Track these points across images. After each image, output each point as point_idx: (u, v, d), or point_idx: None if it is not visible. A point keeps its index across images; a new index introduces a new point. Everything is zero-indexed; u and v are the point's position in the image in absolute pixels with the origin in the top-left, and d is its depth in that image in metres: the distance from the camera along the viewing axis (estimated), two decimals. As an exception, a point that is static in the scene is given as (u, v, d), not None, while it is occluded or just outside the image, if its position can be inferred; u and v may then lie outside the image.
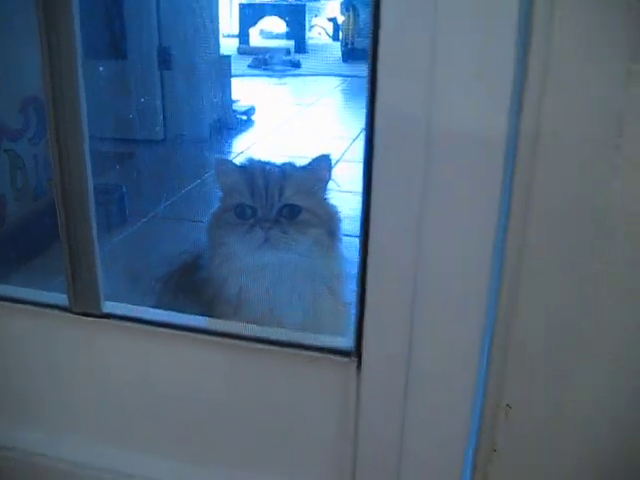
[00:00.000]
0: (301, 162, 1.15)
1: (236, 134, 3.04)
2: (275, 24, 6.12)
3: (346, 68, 4.16)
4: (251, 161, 1.21)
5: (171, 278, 1.19)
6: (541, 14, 0.59)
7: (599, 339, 0.68)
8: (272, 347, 0.81)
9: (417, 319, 0.71)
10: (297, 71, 4.65)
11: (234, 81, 3.19)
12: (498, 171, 0.63)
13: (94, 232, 0.83)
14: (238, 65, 4.18)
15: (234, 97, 3.16)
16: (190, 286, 1.14)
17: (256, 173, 1.11)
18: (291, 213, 1.09)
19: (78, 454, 0.92)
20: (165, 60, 2.65)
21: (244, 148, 2.93)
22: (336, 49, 5.59)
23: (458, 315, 0.70)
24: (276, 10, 5.87)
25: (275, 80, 4.45)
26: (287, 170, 1.14)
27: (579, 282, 0.66)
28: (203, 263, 1.16)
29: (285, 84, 4.43)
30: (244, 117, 3.14)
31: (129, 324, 0.84)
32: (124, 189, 2.06)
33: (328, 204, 1.13)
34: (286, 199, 1.09)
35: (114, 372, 0.88)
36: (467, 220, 0.66)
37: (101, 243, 0.89)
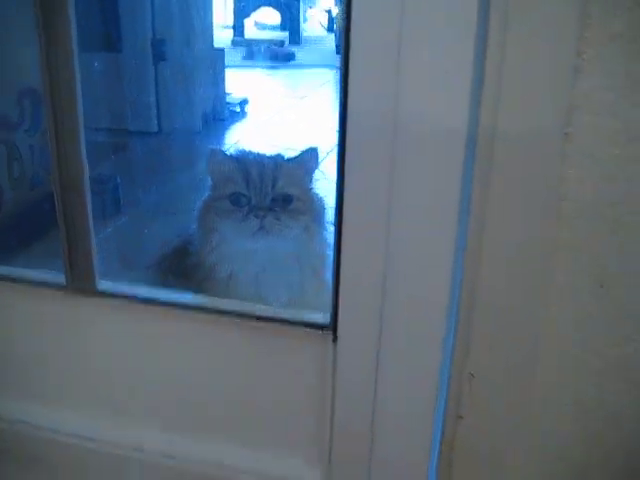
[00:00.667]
0: (290, 154, 1.21)
1: (229, 125, 3.10)
2: (270, 15, 6.15)
3: (340, 60, 4.18)
4: (243, 152, 1.28)
5: (162, 262, 1.25)
6: (497, 16, 0.65)
7: (559, 308, 0.74)
8: (257, 323, 0.87)
9: (387, 296, 0.77)
10: (291, 63, 4.69)
11: (228, 73, 3.24)
12: (459, 159, 0.69)
13: (89, 215, 0.89)
14: (232, 56, 4.22)
15: (227, 89, 3.21)
16: (180, 270, 1.20)
17: (251, 164, 1.18)
18: (284, 202, 1.16)
19: (75, 426, 0.98)
20: (159, 53, 2.70)
21: (237, 139, 2.99)
22: (331, 40, 5.62)
23: (425, 292, 0.76)
24: (271, 1, 5.89)
25: (269, 72, 4.50)
26: (279, 161, 1.21)
27: (536, 260, 0.72)
28: (193, 249, 1.21)
29: (279, 76, 4.47)
30: (237, 109, 3.20)
31: (122, 301, 0.90)
32: (118, 179, 2.11)
33: (315, 193, 1.20)
34: (279, 189, 1.16)
35: (108, 346, 0.94)
36: (432, 205, 0.72)
37: (96, 231, 0.94)
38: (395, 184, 0.72)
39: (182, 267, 1.20)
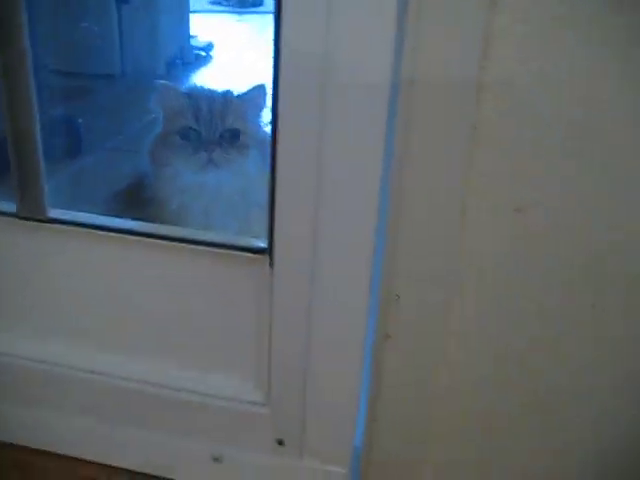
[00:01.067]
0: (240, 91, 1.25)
1: (194, 69, 3.09)
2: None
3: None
4: (194, 88, 1.31)
5: (117, 197, 1.29)
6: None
7: (477, 234, 0.79)
8: (201, 247, 0.91)
9: (319, 224, 0.81)
10: (260, 8, 4.65)
11: (195, 17, 3.22)
12: (384, 96, 0.73)
13: (39, 147, 0.92)
14: (198, 0, 4.18)
15: (193, 33, 3.19)
16: (135, 204, 1.24)
17: (201, 99, 1.22)
18: (232, 137, 1.21)
19: (28, 349, 1.03)
20: (122, -6, 2.67)
21: (201, 83, 2.98)
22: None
23: (355, 222, 0.81)
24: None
25: (236, 17, 4.46)
26: (228, 97, 1.24)
27: (453, 190, 0.78)
28: (146, 183, 1.26)
29: (246, 21, 4.44)
30: (202, 53, 3.18)
31: (71, 228, 0.93)
32: (80, 120, 2.13)
33: (262, 129, 1.24)
34: (228, 124, 1.20)
35: (59, 271, 0.99)
36: (360, 143, 0.77)
37: (57, 169, 0.97)
38: (326, 122, 0.76)
39: (136, 201, 1.24)
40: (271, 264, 0.86)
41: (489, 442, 0.92)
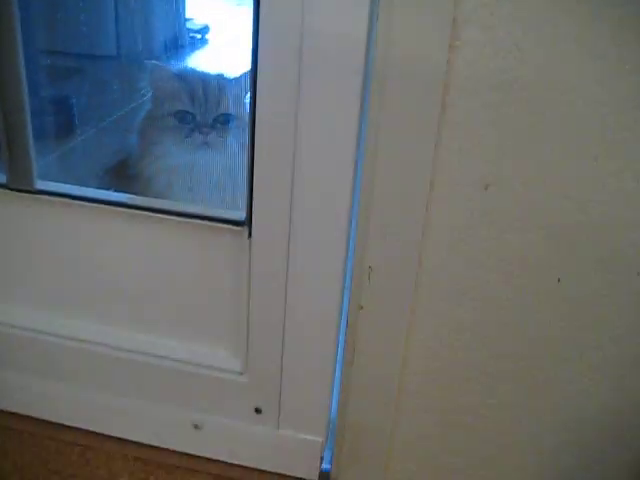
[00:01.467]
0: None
1: (189, 52, 3.09)
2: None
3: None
4: (186, 70, 1.34)
5: (107, 173, 1.32)
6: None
7: (445, 209, 0.82)
8: (184, 219, 0.94)
9: (295, 198, 0.85)
10: (258, -7, 4.63)
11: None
12: (359, 67, 0.77)
13: (28, 123, 0.95)
14: (196, -16, 4.16)
15: (189, 15, 3.19)
16: (123, 181, 1.27)
17: (195, 82, 1.25)
18: (225, 120, 1.24)
19: (14, 318, 1.07)
20: (117, -26, 2.67)
21: (194, 66, 2.99)
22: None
23: (329, 192, 0.84)
24: None
25: (235, 0, 4.45)
26: (221, 80, 1.28)
27: (422, 166, 0.81)
28: (135, 161, 1.29)
29: (244, 5, 4.43)
30: (198, 35, 3.18)
31: (59, 199, 0.97)
32: (73, 100, 2.14)
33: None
34: (223, 108, 1.24)
35: (45, 242, 1.02)
36: (334, 121, 0.80)
37: (49, 147, 1.00)
38: (302, 98, 0.79)
39: (125, 177, 1.27)
40: (249, 235, 0.89)
41: (461, 411, 0.96)
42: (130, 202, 0.96)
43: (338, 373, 0.97)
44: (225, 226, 0.93)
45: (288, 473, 1.05)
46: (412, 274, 0.86)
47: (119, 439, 1.09)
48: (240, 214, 0.91)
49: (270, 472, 1.05)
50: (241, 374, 1.00)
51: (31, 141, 0.97)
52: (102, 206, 0.96)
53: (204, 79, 1.26)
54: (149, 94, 1.26)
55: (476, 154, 0.80)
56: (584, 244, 0.82)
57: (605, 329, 0.86)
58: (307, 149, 0.82)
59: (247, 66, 1.26)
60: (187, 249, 0.97)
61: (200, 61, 3.12)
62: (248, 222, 0.89)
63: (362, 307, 0.90)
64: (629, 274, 0.82)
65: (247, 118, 1.26)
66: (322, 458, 1.03)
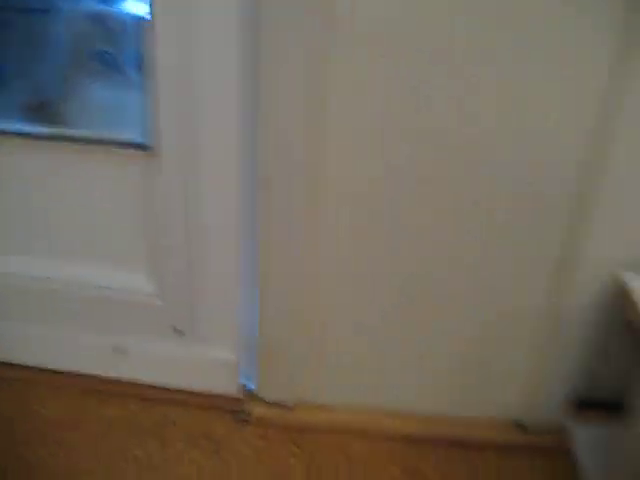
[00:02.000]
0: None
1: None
2: None
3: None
4: (105, 11, 1.35)
5: (29, 111, 1.33)
6: None
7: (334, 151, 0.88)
8: (99, 146, 0.98)
9: (196, 117, 0.89)
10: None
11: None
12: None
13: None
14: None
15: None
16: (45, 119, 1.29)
17: (116, 24, 1.27)
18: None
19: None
20: None
21: (117, 8, 2.96)
22: None
23: (221, 116, 0.90)
24: None
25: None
26: (141, 22, 1.29)
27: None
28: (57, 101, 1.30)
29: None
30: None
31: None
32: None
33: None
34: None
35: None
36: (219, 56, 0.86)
37: None
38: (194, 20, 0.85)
39: (47, 116, 1.28)
40: (156, 157, 0.94)
41: (375, 326, 1.03)
42: (47, 132, 0.99)
43: (256, 294, 1.01)
44: (134, 151, 0.96)
45: (208, 390, 1.10)
46: (311, 181, 0.91)
47: (40, 369, 1.12)
48: (149, 139, 0.94)
49: (189, 391, 1.10)
50: (156, 296, 1.05)
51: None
52: (18, 138, 0.99)
53: (122, 20, 1.28)
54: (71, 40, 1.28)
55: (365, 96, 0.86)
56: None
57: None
58: (203, 83, 0.88)
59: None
60: (99, 175, 1.01)
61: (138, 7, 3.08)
62: (156, 145, 0.92)
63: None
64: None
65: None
66: (239, 373, 1.08)
